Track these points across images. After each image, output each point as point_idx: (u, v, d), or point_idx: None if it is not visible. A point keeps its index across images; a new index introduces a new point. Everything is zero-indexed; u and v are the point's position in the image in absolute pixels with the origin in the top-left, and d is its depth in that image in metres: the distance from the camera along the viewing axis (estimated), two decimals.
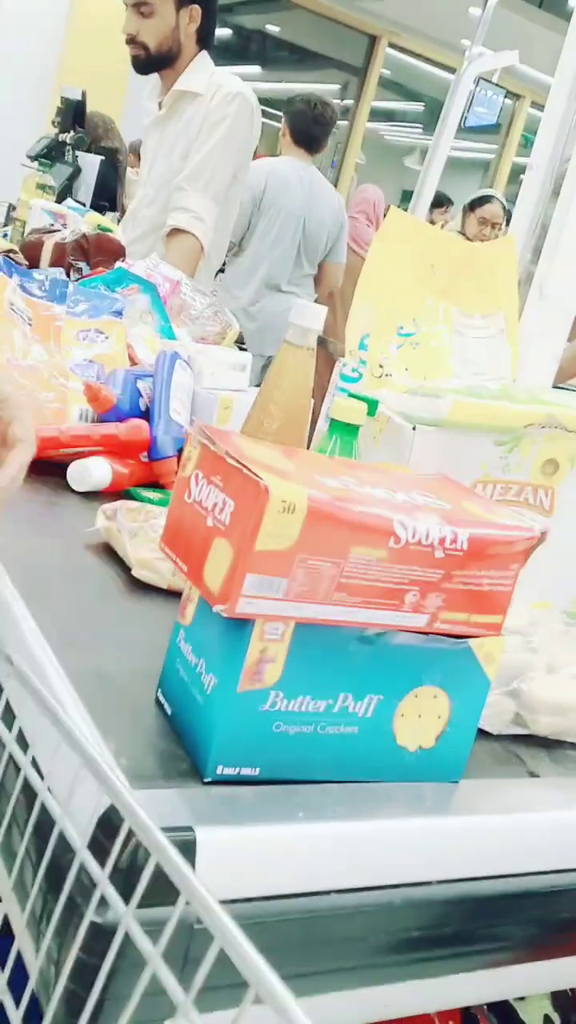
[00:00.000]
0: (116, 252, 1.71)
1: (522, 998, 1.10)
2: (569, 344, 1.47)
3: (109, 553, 0.93)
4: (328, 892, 0.59)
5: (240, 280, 3.34)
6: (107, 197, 3.89)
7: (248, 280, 3.33)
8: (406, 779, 0.68)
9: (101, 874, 0.44)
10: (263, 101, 2.52)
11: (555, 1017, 1.09)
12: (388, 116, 10.56)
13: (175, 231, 2.19)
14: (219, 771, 0.61)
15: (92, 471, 1.06)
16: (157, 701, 0.68)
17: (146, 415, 1.16)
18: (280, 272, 3.33)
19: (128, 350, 1.29)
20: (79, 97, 3.30)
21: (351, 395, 0.91)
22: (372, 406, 0.88)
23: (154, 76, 2.34)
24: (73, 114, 3.34)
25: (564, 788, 0.77)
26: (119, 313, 1.34)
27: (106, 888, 0.44)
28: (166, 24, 2.22)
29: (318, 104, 3.43)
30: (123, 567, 0.90)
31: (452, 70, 4.92)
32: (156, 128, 2.36)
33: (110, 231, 1.83)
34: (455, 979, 0.69)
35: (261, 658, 0.60)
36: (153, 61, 2.25)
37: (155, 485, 1.12)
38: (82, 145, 3.35)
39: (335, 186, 8.64)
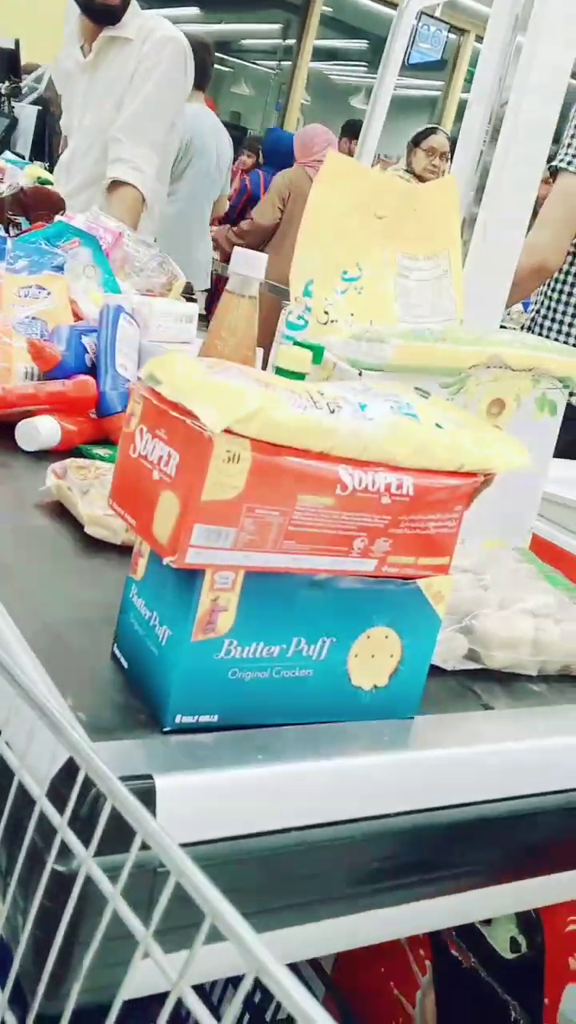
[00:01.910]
0: (56, 205, 1.68)
1: (489, 923, 1.14)
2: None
3: (61, 512, 0.92)
4: (288, 830, 0.61)
5: (196, 231, 3.44)
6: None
7: (204, 229, 3.46)
8: (363, 718, 0.69)
9: (60, 820, 0.45)
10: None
11: (521, 939, 1.13)
12: (332, 55, 10.37)
13: (115, 183, 2.15)
14: (178, 720, 0.62)
15: (40, 430, 1.05)
16: (113, 656, 0.69)
17: (92, 371, 1.15)
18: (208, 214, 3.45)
19: (72, 305, 1.28)
20: (12, 47, 3.20)
21: (296, 343, 0.91)
22: (318, 353, 0.89)
23: (74, 19, 2.27)
24: (8, 64, 3.25)
25: (518, 719, 0.79)
26: (60, 268, 1.31)
27: (66, 834, 0.45)
28: None
29: (202, 42, 3.52)
30: (76, 525, 0.90)
31: (394, 6, 4.83)
32: (83, 75, 2.29)
33: (50, 184, 1.80)
34: (418, 906, 0.72)
35: (213, 607, 0.61)
36: (123, 9, 2.19)
37: (105, 442, 1.12)
38: (18, 95, 3.26)
39: (282, 128, 8.51)
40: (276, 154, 5.27)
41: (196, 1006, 0.35)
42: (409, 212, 1.06)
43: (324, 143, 4.57)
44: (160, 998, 0.41)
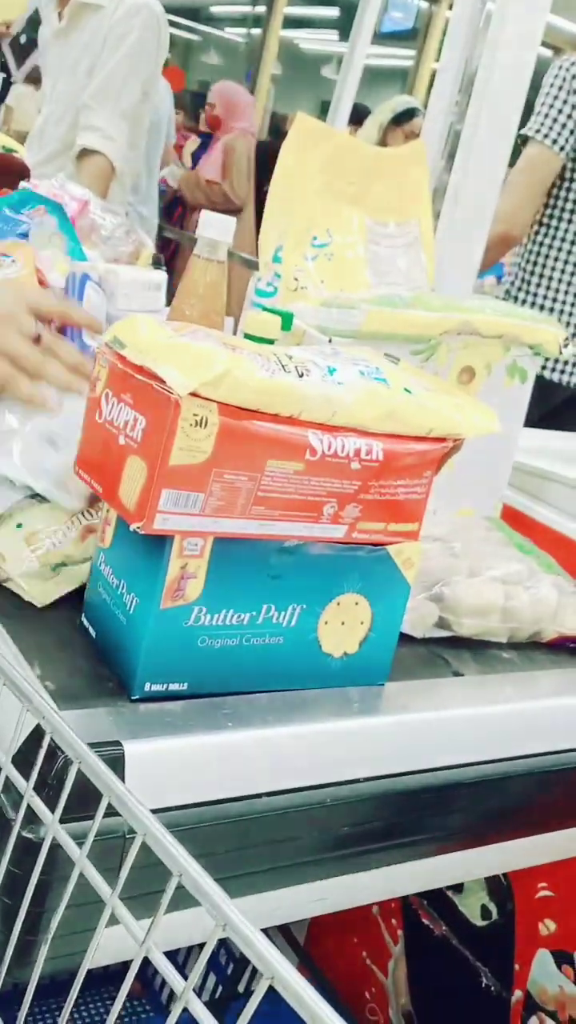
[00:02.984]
0: (19, 172, 1.64)
1: (460, 891, 1.16)
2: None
3: None
4: (259, 796, 0.61)
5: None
6: None
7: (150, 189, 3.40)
8: (333, 685, 0.69)
9: (27, 786, 0.45)
10: (172, 10, 2.42)
11: (492, 907, 1.14)
12: (303, 23, 10.23)
13: (85, 152, 2.12)
14: (147, 688, 0.62)
15: None
16: (81, 626, 0.68)
17: None
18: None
19: (37, 274, 1.25)
20: None
21: (266, 309, 0.90)
22: (287, 320, 0.88)
23: None
24: None
25: (487, 685, 0.80)
26: (25, 236, 1.29)
27: (32, 799, 0.44)
28: None
29: None
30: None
31: None
32: (56, 41, 2.25)
33: (13, 151, 1.76)
34: (389, 871, 0.72)
35: (182, 574, 0.60)
36: None
37: None
38: None
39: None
40: None
41: (162, 963, 0.35)
42: (377, 176, 1.05)
43: (248, 103, 4.48)
44: (139, 977, 0.40)
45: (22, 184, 1.50)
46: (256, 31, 9.54)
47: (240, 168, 4.31)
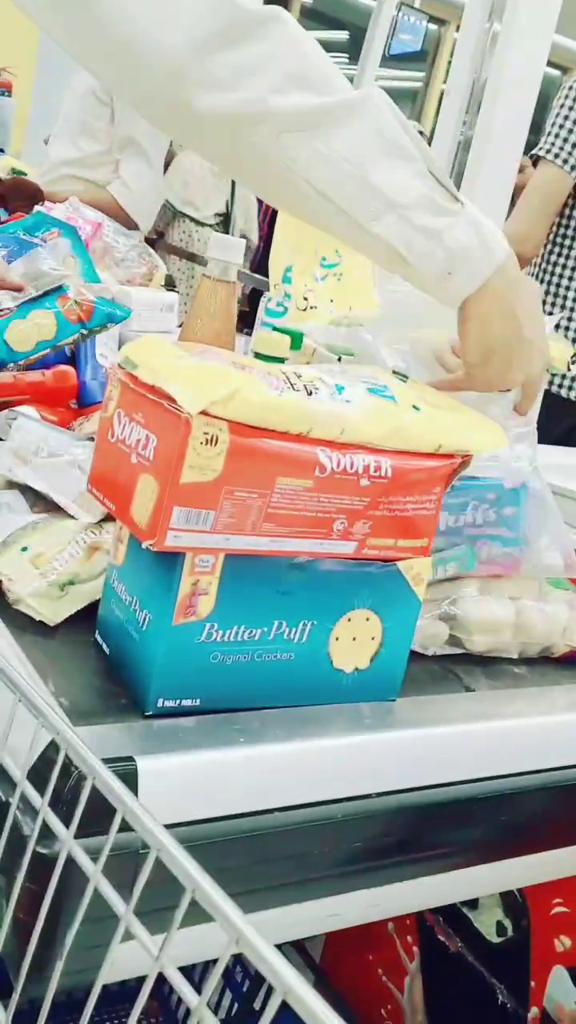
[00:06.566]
0: (34, 196, 1.67)
1: (475, 907, 1.15)
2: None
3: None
4: (271, 811, 0.61)
5: None
6: None
7: None
8: (344, 700, 0.70)
9: (42, 802, 0.45)
10: None
11: (507, 923, 1.14)
12: None
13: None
14: (160, 704, 0.62)
15: None
16: (95, 643, 0.69)
17: (73, 361, 1.15)
18: None
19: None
20: None
21: (276, 329, 0.91)
22: (296, 339, 0.89)
23: None
24: None
25: (498, 700, 0.80)
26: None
27: (47, 815, 0.45)
28: None
29: None
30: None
31: None
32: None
33: (24, 174, 1.79)
34: (402, 886, 0.73)
35: (193, 591, 0.61)
36: None
37: None
38: None
39: None
40: None
41: (177, 980, 0.35)
42: None
43: None
44: (155, 993, 0.41)
45: (36, 207, 1.53)
46: None
47: None
